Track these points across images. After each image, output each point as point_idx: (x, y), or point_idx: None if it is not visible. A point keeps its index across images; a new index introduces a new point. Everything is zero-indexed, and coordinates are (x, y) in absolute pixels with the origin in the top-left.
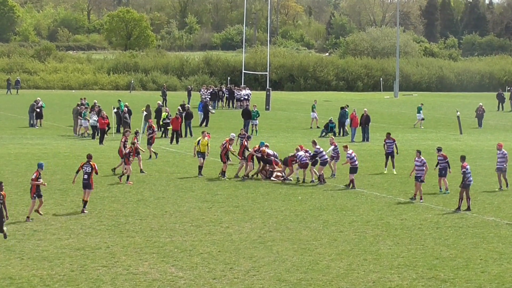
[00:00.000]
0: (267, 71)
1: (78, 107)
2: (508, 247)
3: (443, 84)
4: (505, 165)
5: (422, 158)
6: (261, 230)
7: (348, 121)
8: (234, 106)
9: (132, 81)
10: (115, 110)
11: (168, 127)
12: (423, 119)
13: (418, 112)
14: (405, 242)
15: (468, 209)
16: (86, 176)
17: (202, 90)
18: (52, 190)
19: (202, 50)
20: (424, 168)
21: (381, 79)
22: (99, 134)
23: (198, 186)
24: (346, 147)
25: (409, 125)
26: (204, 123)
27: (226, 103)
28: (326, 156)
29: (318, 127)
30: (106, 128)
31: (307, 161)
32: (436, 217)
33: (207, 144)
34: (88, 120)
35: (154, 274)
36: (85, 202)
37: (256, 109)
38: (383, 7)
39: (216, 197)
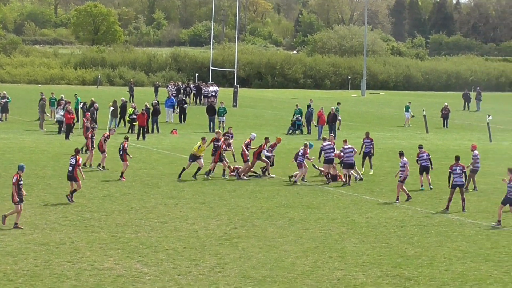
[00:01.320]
0: (235, 68)
1: (44, 102)
2: (471, 245)
3: (410, 83)
4: (476, 166)
5: (405, 159)
6: (227, 227)
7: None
8: (202, 102)
9: (99, 76)
10: (81, 105)
11: (134, 123)
12: (413, 116)
13: (406, 111)
14: (370, 240)
15: (463, 210)
16: (70, 168)
17: (170, 86)
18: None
19: (170, 46)
20: (405, 169)
21: (348, 77)
22: (65, 129)
23: (164, 182)
24: (345, 141)
25: (375, 124)
26: (182, 120)
27: (193, 99)
28: (332, 154)
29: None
30: (72, 123)
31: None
32: (401, 215)
33: (203, 150)
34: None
35: (119, 270)
36: (72, 191)
37: (223, 106)
38: (351, 6)
39: (183, 194)
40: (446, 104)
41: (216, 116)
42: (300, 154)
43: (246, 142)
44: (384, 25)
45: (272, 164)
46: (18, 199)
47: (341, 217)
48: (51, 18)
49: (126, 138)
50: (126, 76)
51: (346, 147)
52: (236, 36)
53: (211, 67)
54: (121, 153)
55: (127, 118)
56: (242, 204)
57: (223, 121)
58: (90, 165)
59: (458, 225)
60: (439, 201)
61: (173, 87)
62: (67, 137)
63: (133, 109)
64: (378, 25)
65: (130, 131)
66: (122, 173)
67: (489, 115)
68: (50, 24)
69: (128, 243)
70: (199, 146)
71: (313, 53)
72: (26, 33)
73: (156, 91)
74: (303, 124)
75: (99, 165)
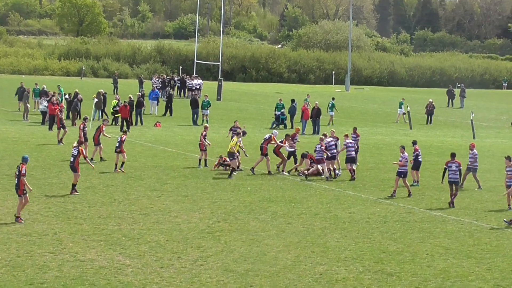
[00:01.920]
0: (219, 61)
1: (27, 92)
2: (454, 242)
3: (394, 79)
4: (475, 165)
5: (406, 154)
6: (209, 220)
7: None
8: (186, 95)
9: (83, 68)
10: (66, 96)
11: (117, 115)
12: (404, 113)
13: (400, 107)
14: (353, 235)
15: (452, 205)
16: (72, 159)
17: (154, 79)
18: (0, 175)
19: (155, 39)
20: (406, 164)
21: (333, 72)
22: (48, 120)
23: (147, 174)
24: (346, 136)
25: (359, 119)
26: (168, 113)
27: (177, 92)
28: (334, 151)
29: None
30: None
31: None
32: (384, 211)
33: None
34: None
35: (101, 262)
36: (73, 185)
37: (207, 99)
38: (336, 1)
39: (165, 186)
40: (430, 100)
41: (200, 109)
42: (318, 149)
43: (266, 137)
44: (369, 21)
45: (295, 162)
46: (24, 192)
47: (323, 212)
48: (36, 8)
49: (125, 132)
50: (110, 68)
51: (348, 141)
52: (221, 29)
53: (195, 60)
54: (118, 145)
55: (110, 110)
56: (225, 198)
57: (207, 114)
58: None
59: (440, 221)
60: (422, 197)
61: (157, 79)
62: (50, 128)
63: (117, 101)
64: (363, 21)
65: (113, 123)
66: (123, 163)
67: (472, 112)
68: (34, 15)
69: (111, 235)
70: (236, 142)
71: (298, 47)
72: (11, 24)
73: (141, 83)
74: (286, 118)
75: (92, 159)
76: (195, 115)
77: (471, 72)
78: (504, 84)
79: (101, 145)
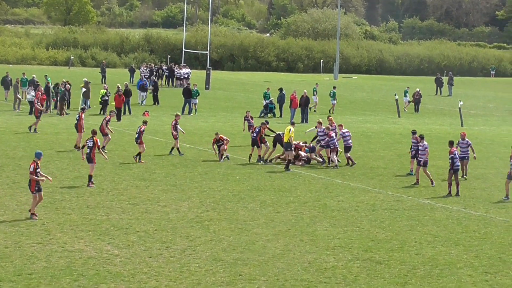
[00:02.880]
0: (207, 50)
1: (18, 83)
2: (442, 230)
3: (383, 67)
4: (468, 153)
5: (425, 143)
6: (198, 209)
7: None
8: (174, 84)
9: (71, 57)
10: (53, 86)
11: (107, 104)
12: (410, 101)
13: (405, 96)
14: (341, 223)
15: (457, 194)
16: (88, 151)
17: (142, 68)
18: None
19: (143, 28)
20: (426, 152)
21: (321, 61)
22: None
23: (135, 164)
24: (341, 126)
25: (348, 107)
26: (156, 103)
27: (166, 81)
28: (350, 141)
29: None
30: (44, 104)
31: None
32: (372, 199)
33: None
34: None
35: (89, 252)
36: (89, 176)
37: (196, 88)
38: None
39: (154, 176)
40: (418, 89)
41: None
42: (321, 133)
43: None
44: (357, 9)
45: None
46: (36, 188)
47: (312, 200)
48: None
49: (145, 122)
50: (98, 57)
51: (344, 131)
52: (209, 18)
53: (183, 49)
54: (137, 136)
55: (99, 100)
56: (213, 187)
57: (195, 103)
58: (77, 146)
59: (429, 209)
60: (410, 185)
61: (145, 68)
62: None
63: (105, 90)
64: (352, 9)
65: (101, 112)
66: (140, 154)
67: (460, 101)
68: (21, 4)
69: (99, 225)
70: (290, 130)
71: (286, 36)
72: None
73: (132, 72)
74: (275, 107)
75: (103, 147)
76: (188, 104)
77: (459, 60)
78: (492, 72)
79: (109, 136)
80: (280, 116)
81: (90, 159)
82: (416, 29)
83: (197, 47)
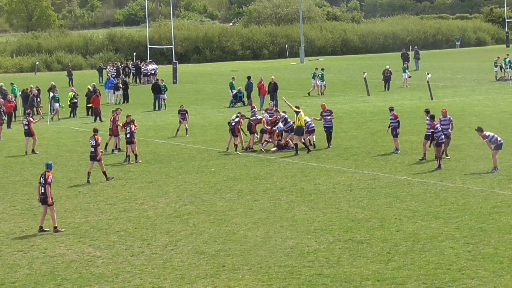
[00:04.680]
0: (172, 45)
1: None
2: (420, 204)
3: (348, 47)
4: (449, 131)
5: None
6: (176, 204)
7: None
8: (142, 81)
9: (37, 63)
10: (20, 93)
11: (76, 107)
12: (410, 76)
13: (404, 72)
14: (320, 206)
15: (439, 167)
16: (92, 149)
17: (108, 68)
18: None
19: (106, 27)
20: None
21: (286, 46)
22: (6, 118)
23: (109, 163)
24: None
25: (316, 90)
26: (126, 101)
27: (133, 79)
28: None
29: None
30: (13, 112)
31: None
32: (349, 179)
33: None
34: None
35: (71, 255)
36: (103, 173)
37: (163, 83)
38: None
39: (129, 174)
40: (387, 67)
41: None
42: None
43: (234, 118)
44: None
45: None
46: (52, 200)
47: (289, 185)
48: None
49: (132, 121)
50: (63, 60)
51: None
52: (171, 12)
53: (148, 46)
54: (128, 136)
55: (67, 103)
56: (189, 180)
57: (164, 99)
58: (33, 150)
59: (406, 185)
60: (385, 162)
61: (112, 68)
62: (8, 126)
63: (73, 93)
64: None
65: (71, 115)
66: (136, 155)
67: (428, 74)
68: None
69: (79, 228)
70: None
71: (249, 24)
72: None
73: (101, 72)
74: (244, 95)
75: (119, 149)
76: (158, 100)
77: (424, 33)
78: (457, 43)
79: (120, 136)
80: (249, 104)
81: (95, 158)
82: (378, 6)
83: (161, 43)
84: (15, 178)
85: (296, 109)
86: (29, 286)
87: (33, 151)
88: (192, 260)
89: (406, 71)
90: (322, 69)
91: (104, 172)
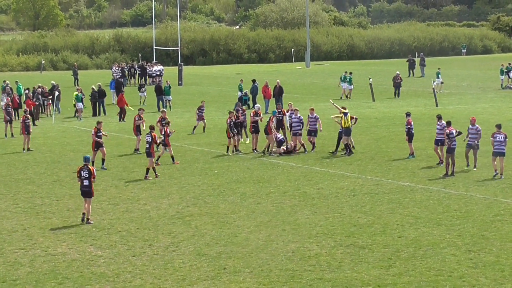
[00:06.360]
0: (178, 46)
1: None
2: (423, 211)
3: (354, 52)
4: (476, 142)
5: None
6: (179, 205)
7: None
8: (147, 82)
9: (43, 62)
10: (26, 91)
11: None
12: (442, 82)
13: (437, 77)
14: (323, 211)
15: (452, 174)
16: (147, 145)
17: (114, 68)
18: None
19: (112, 28)
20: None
21: (292, 50)
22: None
23: (113, 164)
24: (312, 110)
25: (321, 94)
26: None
27: (138, 80)
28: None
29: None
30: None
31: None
32: (352, 184)
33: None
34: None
35: (73, 254)
36: (146, 170)
37: (168, 85)
38: None
39: (133, 175)
40: (398, 72)
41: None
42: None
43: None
44: None
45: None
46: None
47: (292, 189)
48: None
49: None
50: (69, 60)
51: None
52: (178, 14)
53: (154, 47)
54: (163, 138)
55: (72, 103)
56: (192, 182)
57: (169, 100)
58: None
59: (409, 191)
60: (389, 168)
61: (117, 68)
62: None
63: (78, 93)
64: None
65: (76, 114)
66: (172, 157)
67: (434, 81)
68: None
69: (81, 227)
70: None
71: (256, 27)
72: None
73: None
74: (249, 98)
75: (137, 149)
76: (161, 102)
77: (430, 40)
78: (463, 51)
79: (140, 136)
80: (253, 106)
81: (149, 153)
82: (385, 12)
83: (167, 44)
84: (18, 176)
85: (344, 110)
86: (30, 284)
87: (28, 148)
88: (194, 262)
89: (440, 76)
90: (351, 73)
91: (148, 169)
